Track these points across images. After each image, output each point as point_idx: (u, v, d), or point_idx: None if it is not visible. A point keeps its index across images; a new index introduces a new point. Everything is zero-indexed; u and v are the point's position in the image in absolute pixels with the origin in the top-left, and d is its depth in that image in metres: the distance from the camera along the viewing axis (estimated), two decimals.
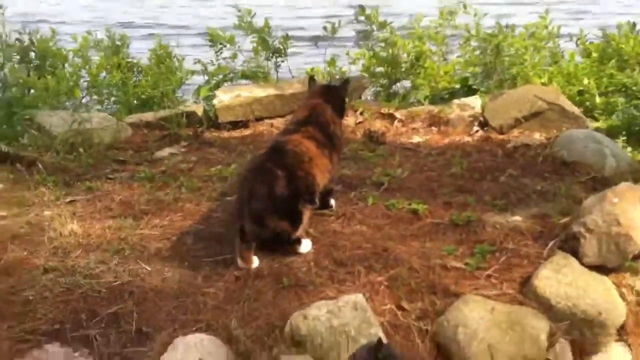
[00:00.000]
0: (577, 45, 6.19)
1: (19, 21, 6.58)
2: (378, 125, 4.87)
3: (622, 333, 2.82)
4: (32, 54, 6.24)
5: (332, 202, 3.46)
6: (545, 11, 6.06)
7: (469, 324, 2.61)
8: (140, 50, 6.82)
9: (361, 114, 5.00)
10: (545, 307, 2.73)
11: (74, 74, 6.09)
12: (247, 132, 4.97)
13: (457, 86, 5.77)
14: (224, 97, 5.15)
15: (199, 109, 5.26)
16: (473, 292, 2.77)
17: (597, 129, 4.56)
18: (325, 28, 6.13)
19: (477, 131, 4.67)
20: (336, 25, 6.08)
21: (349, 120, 4.82)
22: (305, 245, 3.03)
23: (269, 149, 3.20)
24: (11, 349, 2.48)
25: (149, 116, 5.24)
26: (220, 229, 3.28)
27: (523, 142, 4.29)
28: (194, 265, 2.97)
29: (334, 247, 3.06)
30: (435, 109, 5.02)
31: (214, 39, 6.07)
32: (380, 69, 6.07)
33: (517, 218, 3.31)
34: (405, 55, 5.99)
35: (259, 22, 6.05)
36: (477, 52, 6.01)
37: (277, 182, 2.90)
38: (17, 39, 6.19)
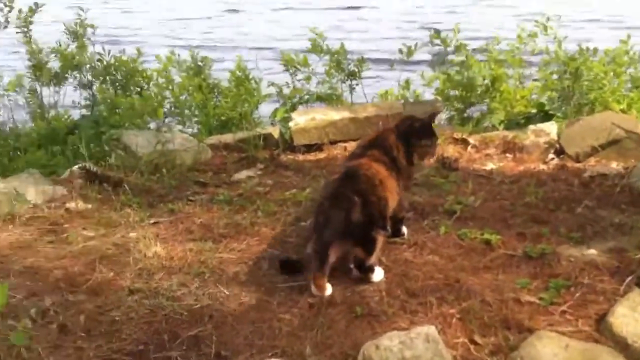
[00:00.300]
0: None
1: (105, 40, 6.91)
2: (451, 150, 4.89)
3: None
4: (118, 74, 6.57)
5: (404, 230, 3.50)
6: (627, 36, 5.94)
7: None
8: (216, 70, 7.04)
9: None
10: (622, 346, 2.68)
11: (157, 94, 6.37)
12: (321, 155, 5.07)
13: (534, 111, 5.72)
14: (299, 119, 5.27)
15: (275, 131, 5.40)
16: (547, 328, 2.75)
17: None
18: (400, 51, 6.19)
19: (552, 159, 4.62)
20: (412, 47, 6.14)
21: None
22: (378, 274, 3.08)
23: (342, 174, 3.26)
24: None
25: (228, 137, 5.42)
26: (294, 255, 3.37)
27: (600, 172, 4.23)
28: (270, 291, 3.07)
29: (406, 277, 3.11)
30: (509, 134, 5.00)
31: (288, 63, 6.22)
32: (454, 92, 6.08)
33: (593, 252, 3.27)
34: (480, 78, 6.00)
35: (331, 43, 6.18)
36: (555, 76, 5.94)
37: (353, 208, 2.96)
38: (101, 59, 6.53)
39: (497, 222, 3.65)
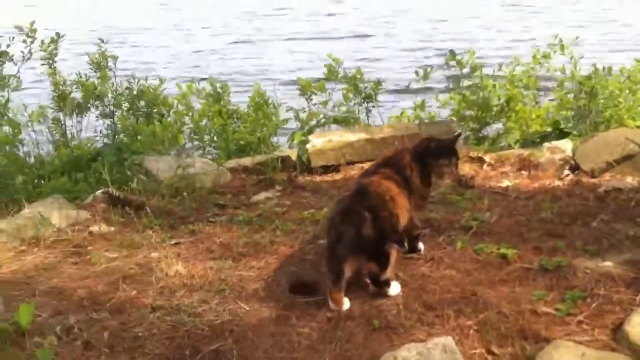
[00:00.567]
0: None
1: (123, 74, 7.06)
2: (467, 169, 4.93)
3: None
4: (141, 102, 6.73)
5: (421, 246, 3.55)
6: None
7: None
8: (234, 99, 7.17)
9: None
10: (638, 354, 2.70)
11: (177, 121, 6.51)
12: (338, 176, 5.13)
13: (549, 129, 5.76)
14: (316, 141, 5.35)
15: (293, 154, 5.48)
16: (564, 338, 2.76)
17: None
18: (417, 73, 6.29)
19: (567, 175, 4.64)
20: (428, 70, 6.24)
21: None
22: (395, 288, 3.12)
23: (353, 191, 3.34)
24: None
25: (246, 161, 5.51)
26: (312, 272, 3.43)
27: (615, 186, 4.24)
28: (289, 306, 3.12)
29: (423, 291, 3.14)
30: (525, 152, 5.04)
31: (305, 88, 6.34)
32: (470, 112, 6.15)
33: (609, 264, 3.29)
34: (496, 98, 6.06)
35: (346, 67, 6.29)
36: (570, 95, 5.99)
37: (364, 223, 3.01)
38: (129, 87, 6.69)
39: (513, 237, 3.68)
